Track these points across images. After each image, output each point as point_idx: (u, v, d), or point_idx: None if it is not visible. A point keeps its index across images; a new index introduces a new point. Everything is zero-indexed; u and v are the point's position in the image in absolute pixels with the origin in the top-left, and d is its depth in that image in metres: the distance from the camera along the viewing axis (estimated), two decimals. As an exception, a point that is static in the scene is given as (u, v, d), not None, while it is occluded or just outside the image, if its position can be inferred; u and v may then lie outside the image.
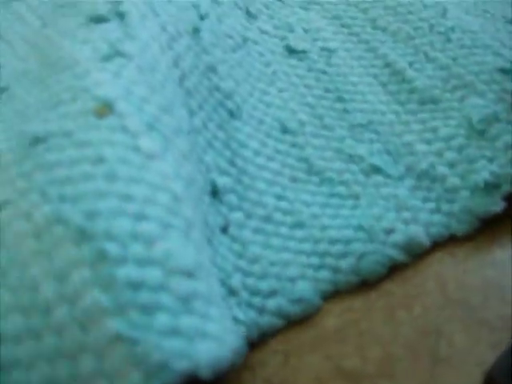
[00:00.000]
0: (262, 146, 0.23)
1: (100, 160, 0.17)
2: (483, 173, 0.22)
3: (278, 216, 0.22)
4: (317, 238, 0.21)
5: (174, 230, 0.16)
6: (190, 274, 0.15)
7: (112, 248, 0.15)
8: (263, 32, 0.28)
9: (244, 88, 0.24)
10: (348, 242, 0.21)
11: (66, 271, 0.15)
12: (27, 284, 0.15)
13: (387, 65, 0.27)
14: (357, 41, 0.28)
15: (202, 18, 0.25)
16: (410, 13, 0.28)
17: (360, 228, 0.22)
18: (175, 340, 0.14)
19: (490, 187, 0.22)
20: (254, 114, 0.24)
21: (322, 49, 0.27)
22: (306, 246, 0.21)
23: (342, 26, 0.29)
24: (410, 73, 0.26)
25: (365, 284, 0.21)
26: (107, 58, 0.19)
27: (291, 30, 0.28)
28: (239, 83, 0.24)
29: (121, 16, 0.21)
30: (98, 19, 0.21)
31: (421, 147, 0.24)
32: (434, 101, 0.25)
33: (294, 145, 0.24)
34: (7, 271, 0.15)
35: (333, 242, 0.21)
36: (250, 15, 0.28)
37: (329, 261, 0.21)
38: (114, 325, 0.14)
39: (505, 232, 0.22)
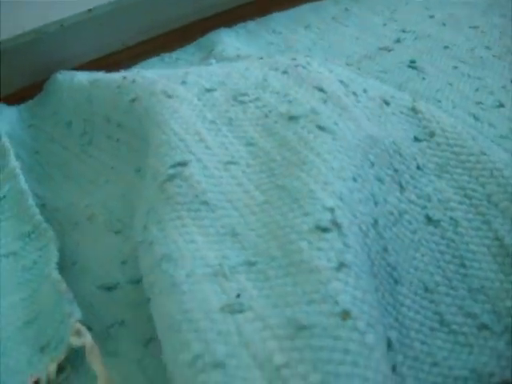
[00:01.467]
0: (413, 302, 0.36)
1: (346, 352, 0.29)
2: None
3: (422, 357, 0.34)
4: (445, 374, 0.34)
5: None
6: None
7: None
8: (411, 202, 0.39)
9: (402, 257, 0.36)
10: (465, 379, 0.34)
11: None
12: None
13: (497, 238, 0.38)
14: (476, 212, 0.39)
15: (376, 204, 0.37)
16: (517, 194, 0.40)
17: (473, 371, 0.34)
18: None
19: None
20: (407, 278, 0.36)
21: (451, 218, 0.39)
22: (439, 380, 0.34)
23: (465, 196, 0.40)
24: (513, 250, 0.38)
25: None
26: (338, 269, 0.31)
27: (429, 200, 0.40)
28: (399, 254, 0.36)
29: (338, 226, 0.33)
30: (323, 229, 0.33)
31: (517, 312, 0.36)
32: (529, 275, 0.37)
33: (431, 301, 0.36)
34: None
35: (455, 378, 0.34)
36: (401, 187, 0.40)
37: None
38: None
39: None
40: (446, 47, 0.65)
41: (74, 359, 0.36)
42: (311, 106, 0.41)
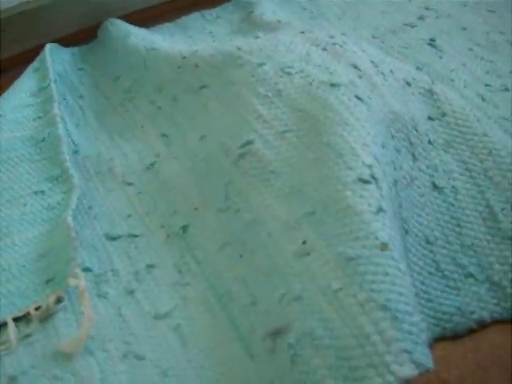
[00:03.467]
0: (416, 250, 0.45)
1: (385, 274, 0.36)
2: None
3: (420, 294, 0.44)
4: (437, 309, 0.43)
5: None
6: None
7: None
8: (421, 170, 0.48)
9: (411, 214, 0.45)
10: (451, 314, 0.43)
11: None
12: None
13: (488, 206, 0.47)
14: (473, 183, 0.48)
15: (395, 168, 0.45)
16: (509, 170, 0.48)
17: (458, 308, 0.43)
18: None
19: None
20: (413, 230, 0.45)
21: (453, 187, 0.48)
22: (431, 313, 0.43)
23: (466, 169, 0.49)
24: (500, 216, 0.47)
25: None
26: (377, 212, 0.39)
27: (436, 170, 0.48)
28: (409, 211, 0.45)
29: (376, 180, 0.41)
30: (365, 181, 0.40)
31: (497, 266, 0.45)
32: (510, 237, 0.46)
33: (431, 251, 0.45)
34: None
35: (444, 313, 0.43)
36: (414, 157, 0.48)
37: (441, 323, 0.43)
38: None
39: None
40: (464, 29, 0.72)
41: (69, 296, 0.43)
42: (349, 78, 0.49)
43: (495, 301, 0.43)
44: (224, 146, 0.49)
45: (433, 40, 0.69)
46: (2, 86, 0.67)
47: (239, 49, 0.55)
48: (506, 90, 0.60)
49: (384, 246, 0.36)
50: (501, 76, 0.62)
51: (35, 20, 0.75)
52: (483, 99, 0.59)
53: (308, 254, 0.38)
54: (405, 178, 0.45)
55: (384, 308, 0.33)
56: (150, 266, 0.46)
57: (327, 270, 0.37)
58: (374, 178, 0.40)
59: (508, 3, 0.76)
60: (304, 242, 0.39)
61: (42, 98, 0.62)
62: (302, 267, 0.38)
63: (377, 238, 0.36)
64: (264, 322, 0.39)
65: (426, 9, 0.76)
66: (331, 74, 0.49)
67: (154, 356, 0.40)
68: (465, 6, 0.76)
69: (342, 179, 0.41)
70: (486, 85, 0.61)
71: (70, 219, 0.47)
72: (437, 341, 0.41)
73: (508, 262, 0.44)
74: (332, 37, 0.54)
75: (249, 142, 0.47)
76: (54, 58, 0.71)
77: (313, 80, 0.49)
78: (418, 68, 0.62)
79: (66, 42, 0.78)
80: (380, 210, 0.38)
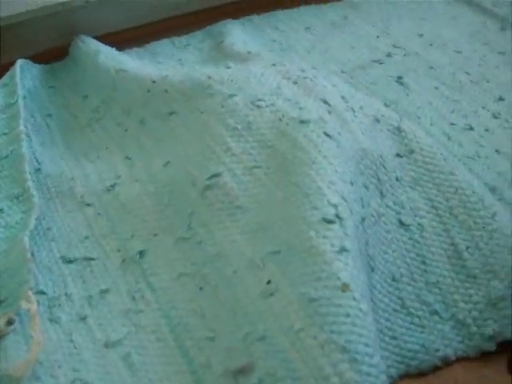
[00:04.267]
0: (382, 287, 0.45)
1: (347, 315, 0.37)
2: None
3: (385, 330, 0.43)
4: (401, 346, 0.42)
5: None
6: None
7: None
8: (388, 207, 0.48)
9: (377, 251, 0.45)
10: (416, 352, 0.43)
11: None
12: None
13: (453, 244, 0.47)
14: (439, 221, 0.49)
15: (363, 206, 0.45)
16: (474, 209, 0.49)
17: (423, 346, 0.43)
18: None
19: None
20: (379, 267, 0.45)
21: (419, 224, 0.48)
22: (396, 350, 0.43)
23: (432, 206, 0.49)
24: (465, 254, 0.47)
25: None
26: (339, 252, 0.39)
27: (403, 207, 0.49)
28: (375, 248, 0.45)
29: (340, 219, 0.41)
30: (329, 221, 0.41)
31: (461, 304, 0.45)
32: (475, 276, 0.46)
33: (396, 288, 0.45)
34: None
35: (409, 350, 0.43)
36: (382, 194, 0.48)
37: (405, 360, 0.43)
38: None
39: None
40: (430, 67, 0.73)
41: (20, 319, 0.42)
42: (319, 114, 0.49)
43: (459, 338, 0.43)
44: (190, 175, 0.49)
45: (400, 77, 0.70)
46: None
47: (210, 77, 0.55)
48: (471, 129, 0.61)
49: (345, 287, 0.37)
50: (465, 116, 0.64)
51: (8, 36, 0.74)
52: (448, 138, 0.60)
53: (272, 294, 0.39)
54: (372, 215, 0.46)
55: (343, 350, 0.34)
56: (104, 291, 0.45)
57: (290, 311, 0.37)
58: (338, 217, 0.41)
59: (473, 45, 0.78)
60: (269, 282, 0.40)
61: (9, 114, 0.61)
62: (266, 307, 0.38)
63: (338, 279, 0.37)
64: (224, 358, 0.39)
65: (394, 46, 0.78)
66: (301, 109, 0.49)
67: (103, 384, 0.39)
68: (431, 45, 0.78)
69: (308, 219, 0.41)
70: (451, 123, 0.62)
71: (26, 240, 0.46)
72: (401, 378, 0.41)
73: (472, 301, 0.45)
74: (303, 70, 0.55)
75: (216, 175, 0.47)
76: (25, 74, 0.70)
77: (283, 115, 0.49)
78: (385, 105, 0.63)
79: (38, 59, 0.77)
80: (343, 249, 0.39)
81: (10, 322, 0.41)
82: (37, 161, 0.58)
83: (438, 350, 0.42)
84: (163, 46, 0.82)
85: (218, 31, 0.82)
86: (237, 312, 0.40)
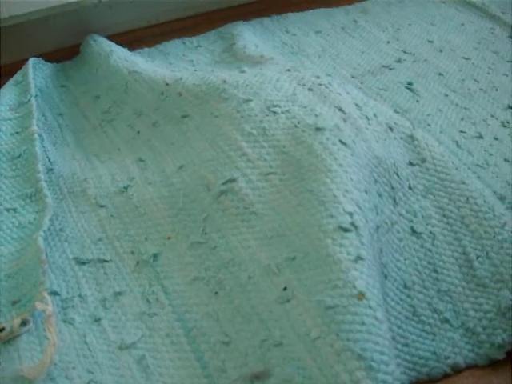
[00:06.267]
0: (394, 295, 0.45)
1: (362, 323, 0.37)
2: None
3: (397, 338, 0.44)
4: (413, 353, 0.43)
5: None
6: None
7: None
8: (400, 215, 0.49)
9: (390, 259, 0.46)
10: (427, 359, 0.43)
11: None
12: None
13: (464, 253, 0.48)
14: (450, 230, 0.49)
15: (377, 214, 0.46)
16: (485, 219, 0.49)
17: (434, 353, 0.43)
18: None
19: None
20: (392, 275, 0.46)
21: (431, 232, 0.49)
22: (407, 357, 0.44)
23: (444, 215, 0.50)
24: (476, 263, 0.48)
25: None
26: (355, 261, 0.40)
27: (415, 215, 0.49)
28: (388, 256, 0.46)
29: (356, 228, 0.42)
30: (345, 229, 0.42)
31: (471, 313, 0.46)
32: (485, 285, 0.47)
33: (408, 296, 0.46)
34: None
35: (420, 357, 0.43)
36: (395, 202, 0.49)
37: (416, 367, 0.43)
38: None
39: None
40: (440, 74, 0.74)
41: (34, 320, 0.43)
42: (334, 122, 0.49)
43: (469, 347, 0.44)
44: (205, 179, 0.50)
45: (410, 84, 0.71)
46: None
47: (224, 81, 0.56)
48: (480, 137, 0.62)
49: (361, 295, 0.37)
50: (475, 123, 0.64)
51: (21, 34, 0.75)
52: (458, 145, 0.60)
53: (288, 301, 0.39)
54: (386, 222, 0.46)
55: (359, 357, 0.34)
56: (118, 294, 0.46)
57: (307, 318, 0.38)
58: (354, 225, 0.41)
59: (482, 52, 0.78)
60: (285, 289, 0.40)
61: (22, 113, 0.62)
62: (283, 313, 0.39)
63: (354, 287, 0.38)
64: (239, 363, 0.39)
65: (404, 52, 0.79)
66: (317, 116, 0.50)
67: (117, 387, 0.39)
68: (441, 51, 0.78)
69: (323, 227, 0.42)
70: (461, 131, 0.63)
71: (41, 240, 0.46)
72: (412, 385, 0.42)
73: (482, 309, 0.45)
74: (318, 77, 0.55)
75: (231, 180, 0.47)
76: (37, 72, 0.70)
77: (298, 122, 0.49)
78: (396, 111, 0.64)
79: (49, 57, 0.78)
80: (359, 258, 0.40)
81: (24, 323, 0.42)
82: (49, 161, 0.58)
83: (448, 358, 0.42)
84: (174, 46, 0.82)
85: (229, 33, 0.82)
86: (252, 317, 0.40)
